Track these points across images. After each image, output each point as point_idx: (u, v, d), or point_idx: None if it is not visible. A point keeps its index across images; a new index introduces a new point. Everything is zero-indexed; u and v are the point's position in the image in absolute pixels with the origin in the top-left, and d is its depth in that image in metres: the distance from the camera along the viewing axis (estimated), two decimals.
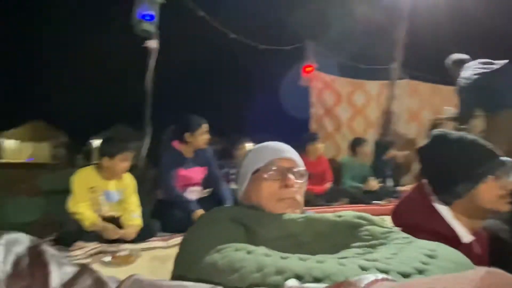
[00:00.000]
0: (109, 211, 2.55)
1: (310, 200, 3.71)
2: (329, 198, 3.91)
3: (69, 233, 2.35)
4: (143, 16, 3.59)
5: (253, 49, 5.25)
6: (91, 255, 2.31)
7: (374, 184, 4.15)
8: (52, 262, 0.35)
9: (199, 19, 4.18)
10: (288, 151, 1.13)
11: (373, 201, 3.89)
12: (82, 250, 2.33)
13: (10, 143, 19.72)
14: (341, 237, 0.94)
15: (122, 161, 2.51)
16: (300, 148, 4.12)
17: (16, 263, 0.35)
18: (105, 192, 2.52)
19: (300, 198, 1.08)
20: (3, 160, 18.61)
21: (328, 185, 4.08)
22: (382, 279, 0.33)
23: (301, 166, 1.12)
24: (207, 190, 3.24)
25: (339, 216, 1.00)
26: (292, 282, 0.36)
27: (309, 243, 0.92)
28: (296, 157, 1.13)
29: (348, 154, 4.58)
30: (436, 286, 0.29)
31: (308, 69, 5.67)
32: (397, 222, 1.35)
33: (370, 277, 0.33)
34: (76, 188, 2.41)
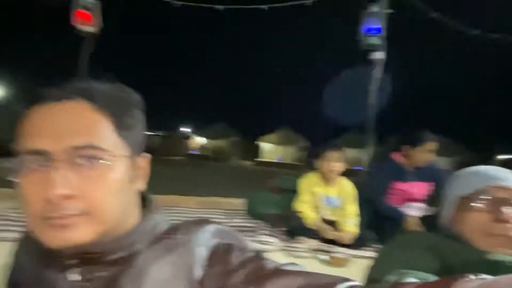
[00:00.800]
0: (328, 215, 2.80)
1: None
2: None
3: (294, 228, 2.76)
4: (369, 30, 3.68)
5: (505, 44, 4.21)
6: (311, 250, 2.63)
7: None
8: (235, 249, 0.50)
9: (430, 21, 3.83)
10: (507, 178, 0.93)
11: None
12: (304, 245, 2.69)
13: (266, 146, 24.45)
14: None
15: (329, 161, 2.69)
16: None
17: (216, 246, 0.50)
18: (326, 197, 2.79)
19: None
20: (262, 159, 23.36)
21: None
22: (477, 278, 0.34)
23: None
24: (434, 208, 2.94)
25: None
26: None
27: None
28: None
29: None
30: None
31: None
32: None
33: (471, 276, 0.34)
34: (301, 191, 2.80)
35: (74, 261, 0.49)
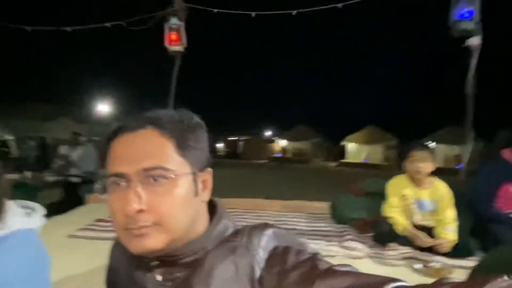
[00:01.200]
0: (421, 220, 2.57)
1: None
2: None
3: (383, 234, 2.60)
4: (461, 15, 3.27)
5: None
6: (403, 258, 2.45)
7: None
8: (292, 250, 0.53)
9: None
10: None
11: None
12: (395, 252, 2.52)
13: (351, 146, 23.52)
14: None
15: (413, 162, 2.46)
16: None
17: (274, 248, 0.55)
18: (417, 200, 2.57)
19: None
20: (347, 160, 22.57)
21: None
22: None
23: None
24: None
25: None
26: None
27: None
28: None
29: None
30: None
31: None
32: None
33: (505, 276, 0.36)
34: (389, 194, 2.62)
35: (155, 263, 0.58)
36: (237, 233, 0.58)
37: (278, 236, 0.57)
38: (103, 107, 15.40)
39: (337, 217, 3.41)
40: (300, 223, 3.38)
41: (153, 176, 0.53)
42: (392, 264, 2.37)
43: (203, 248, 0.56)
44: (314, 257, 0.52)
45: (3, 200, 0.89)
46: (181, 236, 0.55)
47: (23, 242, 0.86)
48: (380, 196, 2.83)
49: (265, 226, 0.58)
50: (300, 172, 14.97)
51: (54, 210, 3.60)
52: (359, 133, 23.20)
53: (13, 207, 0.91)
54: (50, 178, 7.45)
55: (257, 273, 0.52)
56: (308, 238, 2.87)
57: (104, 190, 0.55)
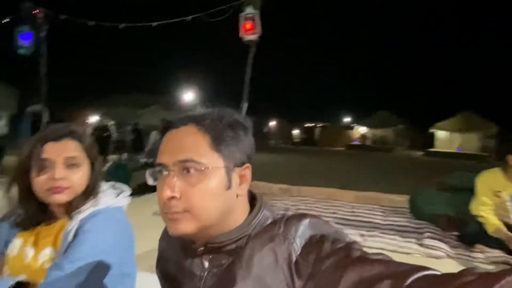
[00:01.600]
0: None
1: None
2: None
3: (470, 234, 2.35)
4: None
5: None
6: (493, 262, 2.20)
7: None
8: (328, 239, 0.55)
9: None
10: None
11: None
12: (483, 254, 2.27)
13: (441, 134, 21.37)
14: None
15: None
16: None
17: (310, 237, 0.56)
18: None
19: None
20: (436, 149, 20.61)
21: None
22: None
23: None
24: None
25: None
26: None
27: None
28: None
29: None
30: None
31: None
32: None
33: None
34: (479, 190, 2.34)
35: (201, 249, 0.63)
36: (275, 222, 0.60)
37: (314, 226, 0.58)
38: (188, 96, 16.52)
39: (417, 212, 3.17)
40: (375, 216, 3.23)
41: (187, 168, 0.58)
42: (478, 267, 2.14)
43: (243, 237, 0.60)
44: (349, 245, 0.52)
45: (99, 182, 1.04)
46: (211, 225, 0.59)
47: (111, 218, 0.99)
48: (468, 192, 2.54)
49: (302, 215, 0.59)
50: (380, 161, 14.14)
51: (144, 189, 4.04)
52: (451, 120, 20.89)
53: (106, 187, 1.07)
54: (142, 160, 8.34)
55: (294, 260, 0.54)
56: (382, 233, 2.74)
57: (152, 178, 0.62)
